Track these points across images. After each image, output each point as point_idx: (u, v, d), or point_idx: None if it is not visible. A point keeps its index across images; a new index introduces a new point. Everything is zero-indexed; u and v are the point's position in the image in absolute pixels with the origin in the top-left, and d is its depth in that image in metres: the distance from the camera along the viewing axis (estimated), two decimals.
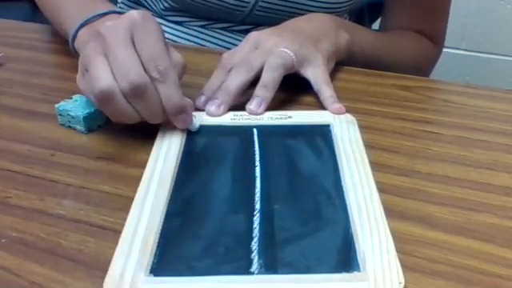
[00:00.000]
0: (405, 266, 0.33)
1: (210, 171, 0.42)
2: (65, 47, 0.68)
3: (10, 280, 0.33)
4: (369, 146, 0.46)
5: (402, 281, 0.32)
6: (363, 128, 0.48)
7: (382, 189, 0.41)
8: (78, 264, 0.35)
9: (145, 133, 0.47)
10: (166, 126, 0.46)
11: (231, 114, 0.50)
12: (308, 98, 0.55)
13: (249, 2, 0.67)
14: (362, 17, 1.00)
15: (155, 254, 0.34)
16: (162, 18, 0.73)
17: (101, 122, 0.49)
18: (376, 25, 1.08)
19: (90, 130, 0.48)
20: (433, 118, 0.52)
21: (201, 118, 0.48)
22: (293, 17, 0.61)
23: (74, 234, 0.37)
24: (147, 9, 0.75)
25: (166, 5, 0.71)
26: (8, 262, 0.35)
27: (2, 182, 0.42)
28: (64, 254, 0.35)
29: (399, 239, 0.36)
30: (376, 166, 0.43)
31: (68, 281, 0.33)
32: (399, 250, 0.34)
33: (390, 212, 0.39)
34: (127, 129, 0.49)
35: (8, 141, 0.47)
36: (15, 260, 0.35)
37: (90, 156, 0.45)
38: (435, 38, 0.76)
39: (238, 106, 0.51)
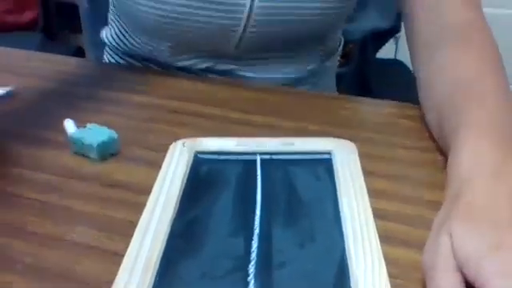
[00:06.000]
0: None
1: (213, 196, 0.44)
2: (74, 78, 0.70)
3: None
4: (374, 174, 0.47)
5: None
6: (368, 157, 0.49)
7: (386, 216, 0.42)
8: None
9: (156, 161, 0.48)
10: (172, 152, 0.48)
11: (235, 140, 0.51)
12: (312, 127, 0.56)
13: (240, 22, 0.64)
14: (365, 45, 1.02)
15: (157, 274, 0.35)
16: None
17: (113, 150, 0.51)
18: (380, 53, 1.10)
19: (102, 157, 0.50)
20: (436, 146, 0.53)
21: (206, 144, 0.50)
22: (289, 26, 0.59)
23: (87, 260, 0.38)
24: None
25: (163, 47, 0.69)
26: (23, 287, 0.36)
27: (18, 209, 0.44)
28: (77, 280, 0.36)
29: (403, 266, 0.37)
30: (380, 194, 0.44)
31: None
32: (403, 277, 0.35)
33: (394, 239, 0.40)
34: (139, 157, 0.51)
35: (25, 169, 0.49)
36: (29, 285, 0.36)
37: (103, 183, 0.47)
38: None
39: (243, 133, 0.52)
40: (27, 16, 1.66)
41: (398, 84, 0.91)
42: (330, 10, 0.65)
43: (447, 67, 0.54)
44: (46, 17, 1.70)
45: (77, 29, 1.48)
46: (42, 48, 1.36)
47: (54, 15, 1.73)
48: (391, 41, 1.55)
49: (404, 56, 0.74)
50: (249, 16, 0.63)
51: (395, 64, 1.09)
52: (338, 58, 0.83)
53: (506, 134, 0.44)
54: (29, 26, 1.66)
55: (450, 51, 0.54)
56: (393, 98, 0.64)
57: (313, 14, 0.64)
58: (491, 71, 0.51)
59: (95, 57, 0.91)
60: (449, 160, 0.44)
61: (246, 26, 0.64)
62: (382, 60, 1.06)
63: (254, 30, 0.64)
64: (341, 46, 0.81)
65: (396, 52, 1.61)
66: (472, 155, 0.42)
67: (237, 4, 0.62)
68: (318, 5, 0.64)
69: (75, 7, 1.61)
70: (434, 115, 0.54)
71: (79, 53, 1.34)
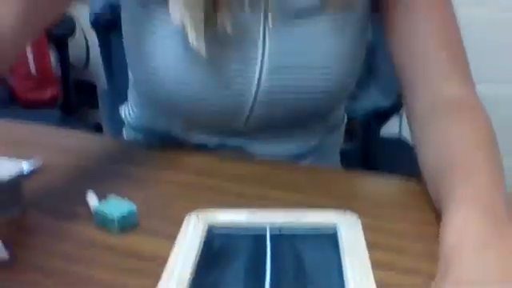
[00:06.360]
0: None
1: (225, 268, 0.47)
2: (95, 153, 0.74)
3: None
4: (375, 246, 0.50)
5: None
6: (371, 229, 0.52)
7: (387, 287, 0.44)
8: None
9: (172, 233, 0.51)
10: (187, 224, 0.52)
11: (246, 213, 0.54)
12: (319, 200, 0.59)
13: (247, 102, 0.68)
14: (368, 123, 1.06)
15: None
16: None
17: (132, 222, 0.54)
18: (385, 128, 1.14)
19: (123, 229, 0.53)
20: (436, 218, 0.55)
21: (219, 216, 0.53)
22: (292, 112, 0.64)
23: None
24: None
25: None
26: None
27: (44, 278, 0.47)
28: None
29: None
30: (382, 266, 0.47)
31: None
32: None
33: None
34: (156, 229, 0.54)
35: (52, 240, 0.52)
36: None
37: (122, 254, 0.50)
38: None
39: (254, 206, 0.56)
40: (48, 94, 1.75)
41: (402, 162, 0.94)
42: (330, 91, 0.70)
43: (441, 141, 0.58)
44: (65, 94, 1.79)
45: (95, 105, 1.56)
46: (62, 124, 1.42)
47: (73, 92, 1.82)
48: (395, 116, 1.60)
49: (408, 132, 0.77)
50: (254, 99, 0.68)
51: (399, 143, 1.13)
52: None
53: (496, 209, 0.47)
54: (49, 103, 1.74)
55: (443, 126, 0.59)
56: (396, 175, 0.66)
57: (313, 97, 0.69)
58: (484, 145, 0.55)
59: (114, 133, 0.96)
60: (440, 231, 0.48)
61: (252, 107, 0.69)
62: (386, 139, 1.10)
63: (261, 112, 0.69)
64: (344, 123, 0.86)
65: (400, 127, 1.65)
66: (461, 229, 0.45)
67: (243, 90, 0.67)
68: (319, 89, 0.68)
69: (93, 85, 1.69)
70: (431, 188, 0.58)
71: (98, 128, 1.40)
